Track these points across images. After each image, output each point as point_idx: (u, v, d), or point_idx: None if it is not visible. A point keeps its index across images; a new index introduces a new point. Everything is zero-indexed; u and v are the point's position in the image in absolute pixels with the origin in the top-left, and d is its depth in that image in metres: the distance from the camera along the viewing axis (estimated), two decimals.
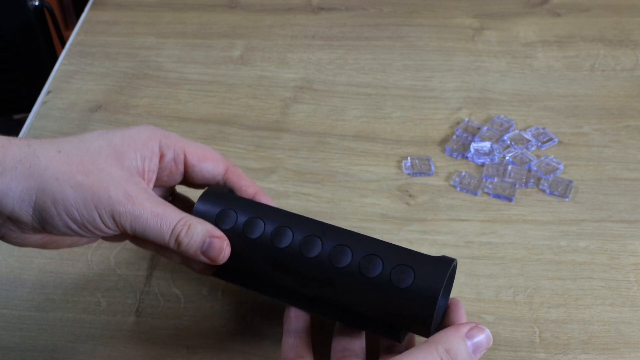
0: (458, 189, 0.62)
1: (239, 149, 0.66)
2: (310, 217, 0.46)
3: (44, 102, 0.73)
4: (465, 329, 0.40)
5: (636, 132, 0.67)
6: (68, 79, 0.76)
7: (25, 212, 0.40)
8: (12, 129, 0.72)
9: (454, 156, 0.65)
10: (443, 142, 0.67)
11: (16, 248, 0.58)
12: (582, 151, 0.65)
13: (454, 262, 0.43)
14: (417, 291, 0.41)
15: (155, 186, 0.47)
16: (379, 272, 0.42)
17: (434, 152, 0.66)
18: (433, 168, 0.64)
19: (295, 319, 0.45)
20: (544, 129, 0.67)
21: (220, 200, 0.46)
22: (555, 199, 0.61)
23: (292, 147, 0.67)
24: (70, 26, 1.63)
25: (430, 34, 0.81)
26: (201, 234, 0.43)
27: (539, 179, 0.62)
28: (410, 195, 0.62)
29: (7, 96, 1.09)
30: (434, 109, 0.71)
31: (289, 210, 0.47)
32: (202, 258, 0.44)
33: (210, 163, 0.48)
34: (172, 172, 0.47)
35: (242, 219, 0.45)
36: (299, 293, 0.45)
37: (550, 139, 0.66)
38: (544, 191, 0.62)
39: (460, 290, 0.54)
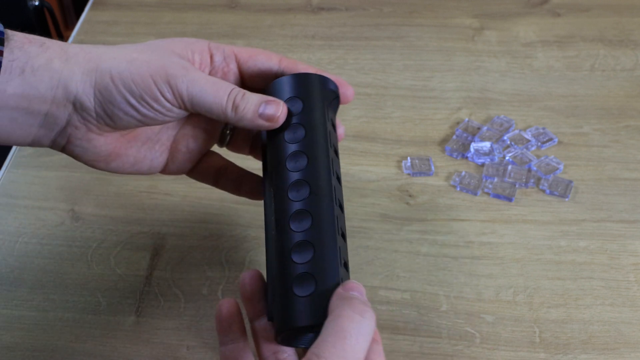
0: (458, 189, 0.62)
1: None
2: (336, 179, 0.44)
3: None
4: (341, 289, 0.39)
5: (636, 132, 0.67)
6: None
7: (87, 94, 0.42)
8: None
9: (454, 156, 0.65)
10: (443, 142, 0.67)
11: (16, 248, 0.58)
12: (582, 151, 0.65)
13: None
14: (301, 307, 0.39)
15: None
16: (304, 263, 0.40)
17: (434, 152, 0.66)
18: (433, 168, 0.64)
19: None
20: (544, 129, 0.67)
21: (286, 92, 0.45)
22: (555, 199, 0.61)
23: None
24: (70, 26, 1.63)
25: (430, 34, 0.81)
26: (257, 98, 0.44)
27: (539, 179, 0.62)
28: (410, 195, 0.62)
29: None
30: (434, 109, 0.71)
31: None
32: (260, 121, 0.44)
33: (262, 56, 0.48)
34: (225, 74, 0.47)
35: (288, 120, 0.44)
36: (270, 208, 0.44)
37: (550, 139, 0.66)
38: (544, 191, 0.62)
39: (460, 290, 0.54)
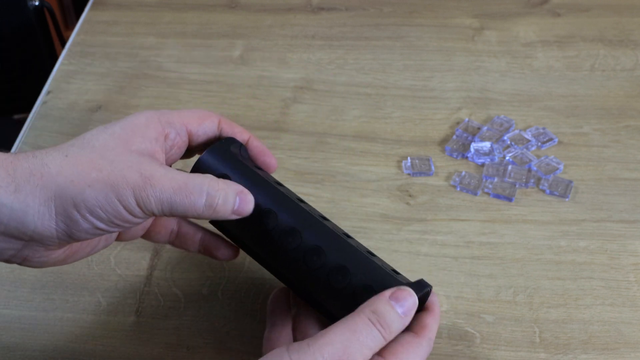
0: (458, 189, 0.62)
1: None
2: (305, 204, 0.46)
3: (44, 102, 0.73)
4: (388, 293, 0.40)
5: (636, 132, 0.67)
6: (68, 79, 0.76)
7: (48, 226, 0.39)
8: (12, 129, 0.72)
9: (454, 156, 0.65)
10: (443, 142, 0.67)
11: None
12: (582, 151, 0.65)
13: (426, 290, 0.42)
14: None
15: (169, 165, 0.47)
16: (345, 284, 0.42)
17: (434, 152, 0.66)
18: (433, 168, 0.64)
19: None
20: (544, 129, 0.67)
21: (221, 162, 0.46)
22: (555, 199, 0.61)
23: (292, 147, 0.67)
24: (70, 26, 1.63)
25: (430, 34, 0.81)
26: (232, 195, 0.42)
27: (539, 179, 0.62)
28: (410, 195, 0.62)
29: (7, 96, 1.08)
30: (434, 109, 0.71)
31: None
32: (233, 217, 0.43)
33: (208, 122, 0.47)
34: (179, 146, 0.47)
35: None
36: (278, 271, 0.46)
37: (550, 139, 0.66)
38: (544, 191, 0.62)
39: (460, 290, 0.54)
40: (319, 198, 0.62)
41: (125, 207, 0.40)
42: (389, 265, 0.44)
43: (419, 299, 0.42)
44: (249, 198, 0.43)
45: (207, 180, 0.42)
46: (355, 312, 0.40)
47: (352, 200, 0.61)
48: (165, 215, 0.41)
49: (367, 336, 0.38)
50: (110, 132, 0.42)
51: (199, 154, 0.49)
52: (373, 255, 0.45)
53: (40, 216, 0.38)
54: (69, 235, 0.40)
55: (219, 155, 0.46)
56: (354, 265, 0.43)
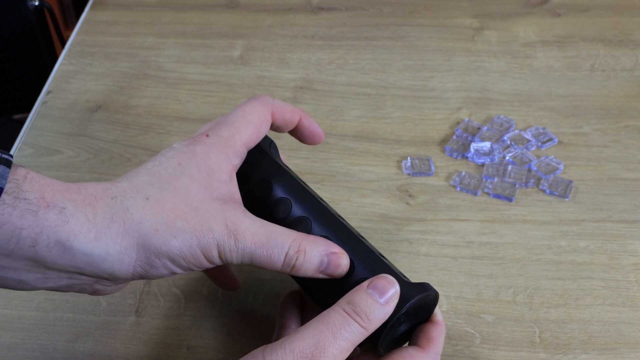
0: (458, 189, 0.62)
1: None
2: (326, 206, 0.46)
3: (44, 102, 0.73)
4: (366, 283, 0.40)
5: (636, 132, 0.67)
6: (68, 79, 0.76)
7: (125, 271, 0.38)
8: (12, 129, 0.72)
9: (454, 156, 0.65)
10: (443, 142, 0.67)
11: None
12: (582, 151, 0.65)
13: (426, 294, 0.41)
14: None
15: None
16: (350, 280, 0.41)
17: (434, 152, 0.66)
18: (433, 168, 0.64)
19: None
20: (544, 129, 0.67)
21: (261, 166, 0.46)
22: (555, 199, 0.61)
23: (292, 147, 0.67)
24: (70, 26, 1.63)
25: (430, 34, 0.81)
26: (318, 257, 0.41)
27: (539, 179, 0.62)
28: (410, 195, 0.62)
29: (7, 96, 1.08)
30: (434, 109, 0.71)
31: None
32: (321, 276, 0.42)
33: (263, 128, 0.46)
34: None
35: (263, 182, 0.45)
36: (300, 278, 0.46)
37: (550, 139, 0.66)
38: (544, 191, 0.62)
39: (460, 290, 0.54)
40: None
41: (207, 258, 0.39)
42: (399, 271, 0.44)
43: (423, 304, 0.41)
44: (341, 262, 0.41)
45: (290, 240, 0.40)
46: (332, 306, 0.39)
47: (352, 200, 0.61)
48: (245, 264, 0.41)
49: (341, 328, 0.37)
50: (189, 175, 0.41)
51: None
52: (385, 258, 0.45)
53: (119, 262, 0.37)
54: (143, 276, 0.39)
55: (256, 160, 0.46)
56: (362, 262, 0.42)
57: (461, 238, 0.58)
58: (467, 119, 0.69)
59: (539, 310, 0.53)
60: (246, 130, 0.44)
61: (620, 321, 0.52)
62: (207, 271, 0.50)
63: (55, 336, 0.52)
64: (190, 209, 0.39)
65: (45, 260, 0.36)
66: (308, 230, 0.43)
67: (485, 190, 0.62)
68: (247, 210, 0.42)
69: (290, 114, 0.47)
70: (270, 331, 0.51)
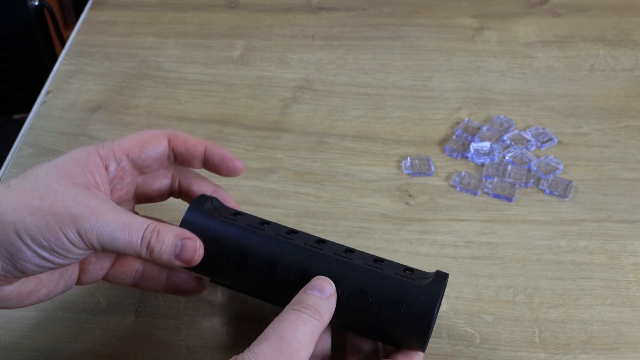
0: (458, 189, 0.62)
1: (239, 149, 0.67)
2: (299, 232, 0.46)
3: (44, 102, 0.73)
4: (305, 287, 0.43)
5: (636, 132, 0.67)
6: (68, 79, 0.76)
7: None
8: (12, 129, 0.72)
9: (454, 156, 0.65)
10: (443, 142, 0.67)
11: None
12: (582, 151, 0.65)
13: (443, 286, 0.43)
14: (408, 325, 0.42)
15: (116, 199, 0.47)
16: (367, 307, 0.43)
17: (433, 152, 0.66)
18: (433, 168, 0.64)
19: None
20: (543, 129, 0.67)
21: (203, 222, 0.46)
22: (555, 199, 0.61)
23: (292, 147, 0.67)
24: (70, 26, 1.63)
25: (430, 34, 0.81)
26: (172, 238, 0.43)
27: (538, 179, 0.62)
28: (410, 195, 0.62)
29: (7, 96, 1.08)
30: (433, 109, 0.71)
31: (284, 213, 0.47)
32: (177, 262, 0.43)
33: (152, 145, 0.47)
34: (124, 176, 0.47)
35: (228, 250, 0.45)
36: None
37: (550, 139, 0.66)
38: (543, 191, 0.62)
39: (460, 290, 0.54)
40: (318, 198, 0.62)
41: (66, 236, 0.40)
42: (401, 265, 0.45)
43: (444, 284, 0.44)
44: (195, 245, 0.43)
45: (149, 222, 0.42)
46: (282, 311, 0.41)
47: (352, 200, 0.61)
48: (106, 249, 0.41)
49: (296, 321, 0.40)
50: (52, 165, 0.42)
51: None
52: (382, 261, 0.45)
53: None
54: (14, 265, 0.40)
55: (195, 220, 0.46)
56: (370, 285, 0.43)
57: (461, 238, 0.58)
58: (467, 119, 0.69)
59: (539, 310, 0.53)
60: (129, 139, 0.46)
61: (620, 321, 0.52)
62: (169, 282, 0.49)
63: (55, 336, 0.52)
64: (50, 191, 0.40)
65: None
66: (306, 280, 0.44)
67: (485, 190, 0.62)
68: (110, 200, 0.43)
69: (192, 142, 0.47)
70: None
